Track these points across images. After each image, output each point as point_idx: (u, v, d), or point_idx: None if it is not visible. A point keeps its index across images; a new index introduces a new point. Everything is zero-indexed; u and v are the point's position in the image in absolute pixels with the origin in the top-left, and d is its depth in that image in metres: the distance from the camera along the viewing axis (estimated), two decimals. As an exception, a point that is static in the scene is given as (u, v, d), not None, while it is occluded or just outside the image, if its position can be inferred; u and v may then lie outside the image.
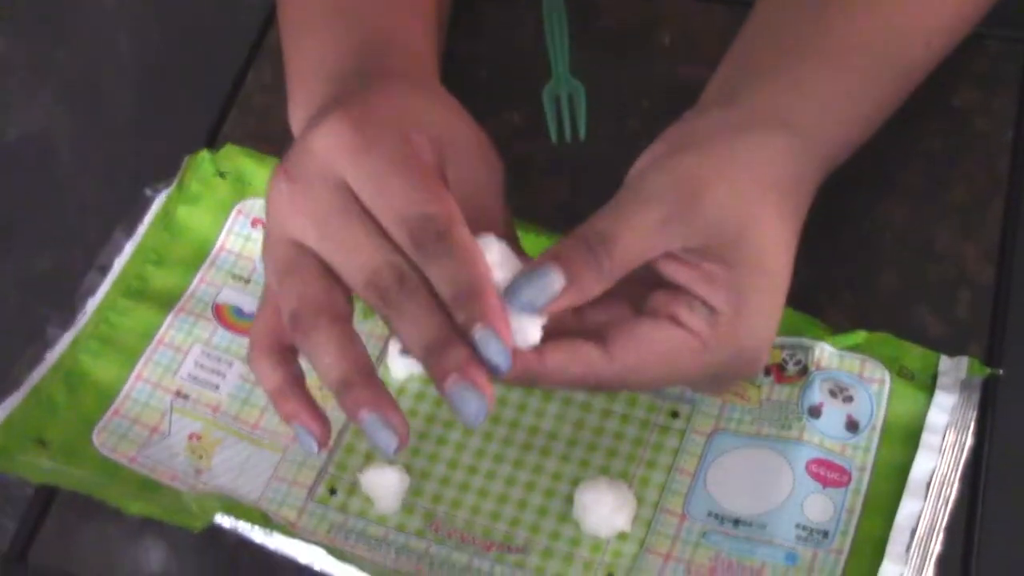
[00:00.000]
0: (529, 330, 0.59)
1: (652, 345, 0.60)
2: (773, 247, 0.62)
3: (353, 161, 0.59)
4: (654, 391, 0.70)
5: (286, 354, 0.62)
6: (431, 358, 0.57)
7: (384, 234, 0.59)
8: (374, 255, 0.59)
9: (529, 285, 0.58)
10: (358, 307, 0.73)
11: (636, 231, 0.60)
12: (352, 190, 0.59)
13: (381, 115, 0.61)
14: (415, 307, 0.58)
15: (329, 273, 0.60)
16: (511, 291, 0.58)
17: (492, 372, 0.57)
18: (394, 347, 0.72)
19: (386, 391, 0.59)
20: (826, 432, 0.67)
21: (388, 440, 0.58)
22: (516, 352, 0.59)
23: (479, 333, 0.57)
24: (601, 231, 0.60)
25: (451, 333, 0.57)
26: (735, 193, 0.61)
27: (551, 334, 0.60)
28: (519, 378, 0.60)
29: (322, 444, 0.61)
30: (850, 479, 0.66)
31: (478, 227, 0.60)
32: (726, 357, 0.61)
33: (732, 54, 0.71)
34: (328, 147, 0.60)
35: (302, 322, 0.60)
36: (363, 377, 0.59)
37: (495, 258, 0.59)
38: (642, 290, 0.62)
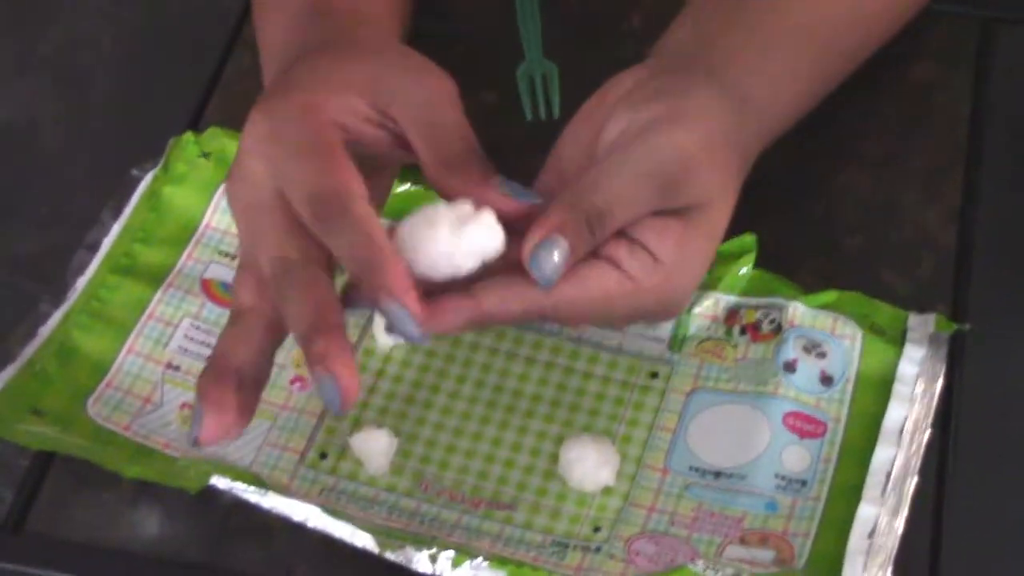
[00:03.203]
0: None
1: (588, 283, 0.63)
2: (726, 214, 0.66)
3: (265, 152, 0.62)
4: (633, 353, 0.73)
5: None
6: (303, 345, 0.60)
7: (288, 225, 0.61)
8: (270, 248, 0.61)
9: (545, 261, 0.61)
10: (341, 280, 0.76)
11: (629, 207, 0.63)
12: (269, 182, 0.62)
13: (292, 99, 0.63)
14: (294, 296, 0.60)
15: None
16: (532, 264, 0.61)
17: (408, 339, 0.60)
18: (379, 319, 0.74)
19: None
20: (801, 386, 0.70)
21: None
22: (452, 304, 0.61)
23: (385, 305, 0.59)
24: (600, 208, 0.62)
25: (320, 322, 0.59)
26: (714, 169, 0.64)
27: (486, 271, 0.62)
28: (464, 327, 0.62)
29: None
30: (825, 430, 0.69)
31: (445, 144, 0.63)
32: (652, 303, 0.64)
33: (690, 18, 0.74)
34: (248, 143, 0.63)
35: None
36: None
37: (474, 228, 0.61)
38: None
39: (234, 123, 0.81)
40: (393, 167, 0.70)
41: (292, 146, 0.62)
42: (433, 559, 0.65)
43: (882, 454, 0.67)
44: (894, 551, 0.64)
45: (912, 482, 0.66)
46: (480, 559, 0.65)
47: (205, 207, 0.79)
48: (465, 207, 0.62)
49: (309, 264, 0.61)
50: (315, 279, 0.61)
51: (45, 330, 0.74)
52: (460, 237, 0.61)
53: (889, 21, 0.77)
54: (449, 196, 0.63)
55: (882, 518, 0.65)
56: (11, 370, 0.73)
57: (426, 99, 0.64)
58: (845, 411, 0.70)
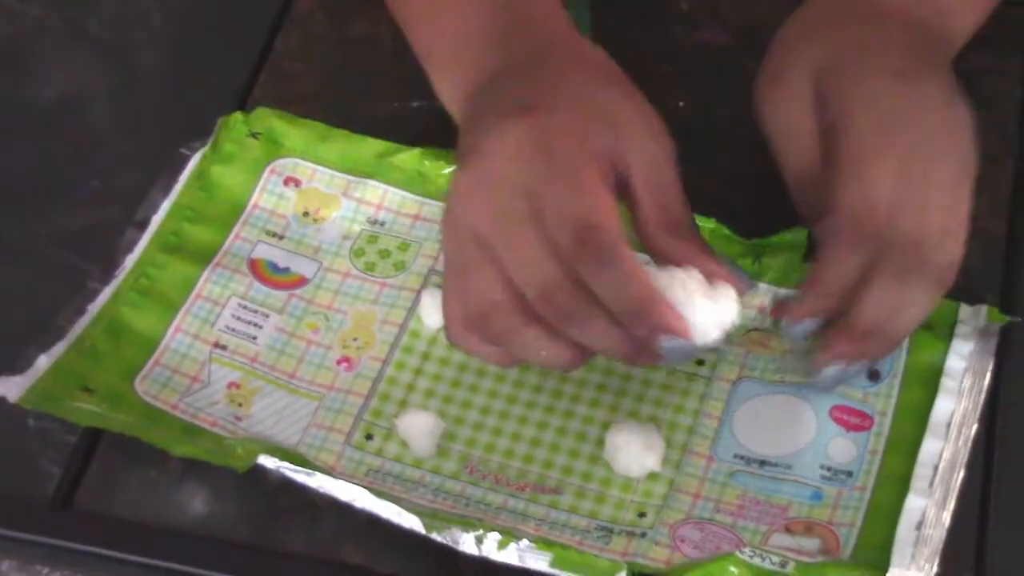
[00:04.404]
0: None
1: None
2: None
3: (527, 167, 0.62)
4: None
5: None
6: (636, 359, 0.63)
7: (554, 244, 0.61)
8: (546, 269, 0.61)
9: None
10: (388, 261, 0.76)
11: None
12: (527, 192, 0.62)
13: (557, 118, 0.63)
14: (599, 322, 0.62)
15: (504, 276, 0.63)
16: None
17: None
18: (428, 298, 0.74)
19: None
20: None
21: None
22: None
23: (665, 342, 0.61)
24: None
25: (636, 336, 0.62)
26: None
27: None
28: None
29: None
30: (872, 423, 0.69)
31: (668, 206, 0.64)
32: None
33: None
34: (504, 151, 0.62)
35: (493, 324, 0.63)
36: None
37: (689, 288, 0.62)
38: None
39: (282, 102, 0.82)
40: None
41: (565, 166, 0.62)
42: (479, 541, 0.65)
43: (930, 446, 0.67)
44: (941, 543, 0.64)
45: (959, 475, 0.66)
46: (525, 541, 0.65)
47: (253, 187, 0.79)
48: (697, 275, 0.63)
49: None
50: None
51: (94, 307, 0.75)
52: (715, 307, 0.63)
53: None
54: (668, 259, 0.64)
55: (930, 510, 0.65)
56: (61, 347, 0.73)
57: (657, 156, 0.65)
58: (892, 405, 0.70)
